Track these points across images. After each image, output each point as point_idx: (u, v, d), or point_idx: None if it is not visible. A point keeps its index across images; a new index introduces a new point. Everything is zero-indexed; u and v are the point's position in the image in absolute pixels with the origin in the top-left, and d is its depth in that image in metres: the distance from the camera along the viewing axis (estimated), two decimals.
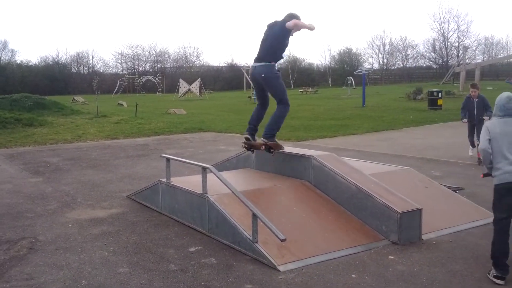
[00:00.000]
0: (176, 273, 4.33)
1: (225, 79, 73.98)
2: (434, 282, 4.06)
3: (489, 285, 3.99)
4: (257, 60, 6.08)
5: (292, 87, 59.94)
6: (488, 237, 5.09)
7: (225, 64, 79.73)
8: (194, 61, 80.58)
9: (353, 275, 4.20)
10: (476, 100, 9.47)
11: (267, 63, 5.98)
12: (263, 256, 4.49)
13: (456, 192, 6.63)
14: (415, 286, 4.00)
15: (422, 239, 5.02)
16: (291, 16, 6.09)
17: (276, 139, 6.29)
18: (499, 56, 74.12)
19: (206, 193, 5.35)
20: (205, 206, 5.33)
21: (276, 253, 4.50)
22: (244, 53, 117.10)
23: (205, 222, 5.36)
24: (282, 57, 6.27)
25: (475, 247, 4.81)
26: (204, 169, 5.39)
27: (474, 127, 9.47)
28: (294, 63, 71.22)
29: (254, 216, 4.56)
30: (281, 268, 4.33)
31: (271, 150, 6.22)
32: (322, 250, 4.67)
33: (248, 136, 6.43)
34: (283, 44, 6.07)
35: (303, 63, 74.46)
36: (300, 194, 5.77)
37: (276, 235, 4.31)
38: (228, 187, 5.04)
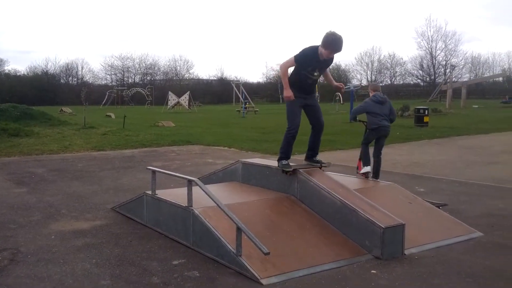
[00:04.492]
0: (159, 286, 4.31)
1: (214, 92, 74.33)
2: None
3: None
4: None
5: (281, 101, 60.21)
6: (469, 252, 5.17)
7: (215, 78, 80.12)
8: (184, 74, 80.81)
9: None
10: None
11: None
12: (246, 270, 4.49)
13: (439, 208, 6.69)
14: None
15: (405, 254, 5.06)
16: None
17: (287, 162, 6.18)
18: (485, 75, 75.42)
19: (191, 206, 5.34)
20: (190, 219, 5.32)
21: (259, 266, 4.51)
22: (234, 67, 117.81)
23: (189, 235, 5.35)
24: (305, 85, 6.14)
25: (457, 263, 4.86)
26: (190, 181, 5.40)
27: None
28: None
29: (239, 230, 4.57)
30: (264, 281, 4.33)
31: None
32: (306, 264, 4.68)
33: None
34: (296, 73, 6.05)
35: None
36: (285, 208, 5.79)
37: (259, 249, 4.33)
38: (213, 200, 5.04)
